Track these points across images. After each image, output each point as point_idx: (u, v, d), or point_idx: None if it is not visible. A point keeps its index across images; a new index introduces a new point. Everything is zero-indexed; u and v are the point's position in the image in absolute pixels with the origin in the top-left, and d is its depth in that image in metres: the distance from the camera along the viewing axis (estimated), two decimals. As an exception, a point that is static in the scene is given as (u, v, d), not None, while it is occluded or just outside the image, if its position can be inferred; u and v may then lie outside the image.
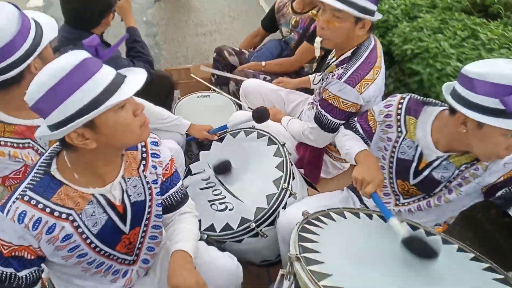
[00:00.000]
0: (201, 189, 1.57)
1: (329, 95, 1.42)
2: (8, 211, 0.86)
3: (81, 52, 0.82)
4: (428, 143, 1.14)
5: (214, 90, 2.12)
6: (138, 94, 1.53)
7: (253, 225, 1.38)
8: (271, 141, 1.58)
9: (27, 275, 0.92)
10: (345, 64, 1.40)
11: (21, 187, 0.89)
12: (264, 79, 2.14)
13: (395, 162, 1.24)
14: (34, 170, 0.91)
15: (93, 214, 0.95)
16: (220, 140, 1.71)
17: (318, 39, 1.41)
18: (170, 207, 1.16)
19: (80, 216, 0.93)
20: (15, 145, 1.09)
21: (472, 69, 0.95)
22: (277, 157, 1.51)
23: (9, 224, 0.86)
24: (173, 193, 1.14)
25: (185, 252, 1.05)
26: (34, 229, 0.88)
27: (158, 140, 1.10)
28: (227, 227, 1.43)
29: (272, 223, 1.43)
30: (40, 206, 0.88)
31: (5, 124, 1.08)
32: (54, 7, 4.14)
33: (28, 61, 1.02)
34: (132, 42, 1.83)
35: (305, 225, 0.98)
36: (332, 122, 1.46)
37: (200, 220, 1.43)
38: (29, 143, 1.12)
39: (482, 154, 1.04)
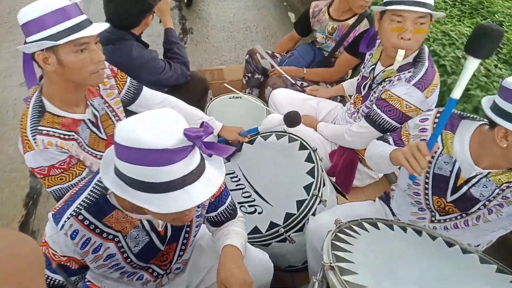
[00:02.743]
0: (230, 190, 1.61)
1: (391, 96, 1.41)
2: (63, 226, 0.91)
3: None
4: (467, 159, 1.12)
5: (248, 95, 2.16)
6: (175, 94, 1.61)
7: (282, 230, 1.41)
8: (302, 146, 1.60)
9: (74, 280, 1.00)
10: (412, 68, 1.40)
11: (77, 203, 0.93)
12: (302, 85, 2.16)
13: (431, 178, 1.22)
14: (90, 188, 0.95)
15: (137, 237, 1.02)
16: (251, 142, 1.75)
17: (401, 52, 1.35)
18: (218, 222, 1.20)
19: (125, 238, 1.00)
20: (61, 136, 1.16)
21: None
22: (309, 163, 1.53)
23: (62, 238, 0.92)
24: (222, 211, 1.18)
25: (236, 247, 1.09)
26: (82, 247, 0.94)
27: None
28: (255, 230, 1.46)
29: (301, 229, 1.45)
30: (92, 227, 0.94)
31: (54, 115, 1.16)
32: (94, 1, 4.32)
33: (29, 49, 1.06)
34: (170, 43, 1.90)
35: (338, 234, 1.00)
36: (387, 122, 1.46)
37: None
38: (73, 135, 1.19)
39: None
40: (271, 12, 4.20)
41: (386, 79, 1.48)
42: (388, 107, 1.43)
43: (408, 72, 1.40)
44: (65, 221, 0.91)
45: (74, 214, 0.92)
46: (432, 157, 1.20)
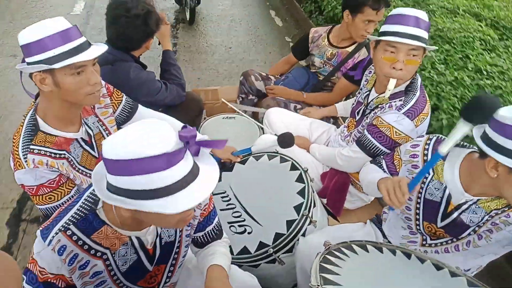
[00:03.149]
0: (221, 210, 1.61)
1: (382, 123, 1.45)
2: (50, 241, 0.90)
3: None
4: (456, 186, 1.14)
5: (242, 114, 2.19)
6: (170, 113, 1.62)
7: (271, 250, 1.40)
8: (294, 167, 1.62)
9: None
10: (403, 97, 1.44)
11: (66, 218, 0.93)
12: (295, 107, 2.20)
13: (422, 203, 1.23)
14: (80, 203, 0.95)
15: (125, 254, 1.01)
16: (243, 162, 1.76)
17: (393, 82, 1.39)
18: (204, 243, 1.20)
19: (113, 255, 0.99)
20: (52, 155, 1.16)
21: (504, 114, 0.96)
22: (299, 183, 1.54)
23: (49, 253, 0.91)
24: (209, 231, 1.18)
25: (222, 267, 1.08)
26: (70, 264, 0.93)
27: None
28: (244, 250, 1.45)
29: (290, 250, 1.44)
30: (80, 242, 0.93)
31: (47, 134, 1.17)
32: (94, 15, 4.41)
33: (32, 70, 1.08)
34: (167, 65, 1.94)
35: (327, 256, 1.00)
36: (377, 147, 1.49)
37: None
38: (64, 154, 1.20)
39: None
40: (256, 10, 4.91)
41: (379, 106, 1.52)
42: (379, 133, 1.46)
43: (400, 100, 1.44)
44: (53, 236, 0.90)
45: (63, 229, 0.91)
46: (423, 183, 1.22)
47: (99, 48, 1.13)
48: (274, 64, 2.67)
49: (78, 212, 0.93)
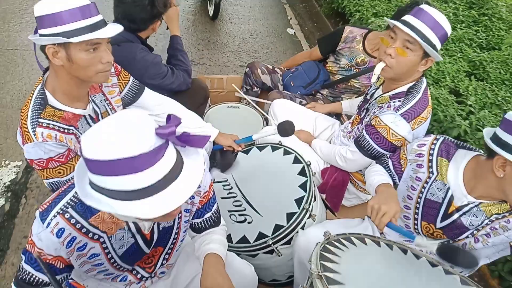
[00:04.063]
0: (222, 198, 1.66)
1: (380, 124, 1.48)
2: (49, 224, 0.93)
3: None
4: (460, 187, 1.19)
5: (250, 101, 2.23)
6: (175, 99, 1.64)
7: (270, 241, 1.45)
8: (297, 160, 1.66)
9: (59, 279, 1.01)
10: (403, 98, 1.45)
11: (64, 201, 0.95)
12: (300, 103, 2.24)
13: (423, 203, 1.28)
14: None
15: (122, 238, 1.04)
16: (246, 152, 1.80)
17: (380, 66, 1.42)
18: (201, 229, 1.23)
19: (110, 239, 1.02)
20: (61, 130, 1.19)
21: None
22: (302, 176, 1.58)
23: (47, 235, 0.94)
24: (207, 218, 1.21)
25: (219, 256, 1.12)
26: (68, 246, 0.96)
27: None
28: (243, 239, 1.50)
29: (289, 242, 1.49)
30: (78, 225, 0.96)
31: (55, 109, 1.20)
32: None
33: (41, 42, 1.10)
34: (174, 50, 1.97)
35: (326, 245, 1.05)
36: (374, 148, 1.52)
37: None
38: (73, 130, 1.23)
39: None
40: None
41: (379, 105, 1.56)
42: (376, 134, 1.49)
43: (399, 101, 1.46)
44: (51, 219, 0.93)
45: (61, 212, 0.94)
46: (426, 182, 1.27)
47: (115, 27, 1.16)
48: (292, 56, 2.65)
49: (76, 195, 0.96)
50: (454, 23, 3.20)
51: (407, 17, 1.37)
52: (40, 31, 1.09)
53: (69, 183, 1.00)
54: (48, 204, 0.96)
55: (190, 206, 1.14)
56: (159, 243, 1.12)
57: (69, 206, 0.95)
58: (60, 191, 0.98)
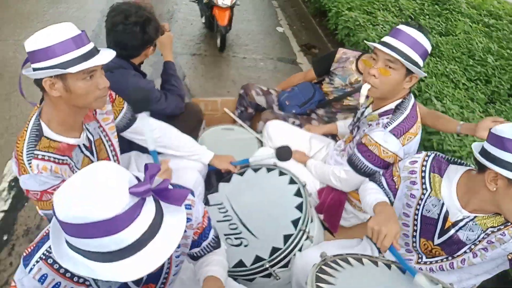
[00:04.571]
0: (217, 221, 1.65)
1: (370, 142, 1.50)
2: (31, 269, 0.92)
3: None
4: (454, 202, 1.20)
5: (242, 124, 2.25)
6: (169, 122, 1.66)
7: (267, 264, 1.44)
8: (292, 181, 1.67)
9: None
10: (391, 115, 1.49)
11: (47, 245, 0.93)
12: (293, 123, 2.27)
13: (420, 220, 1.29)
14: None
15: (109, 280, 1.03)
16: (241, 174, 1.81)
17: (365, 87, 1.47)
18: (201, 257, 1.22)
19: (96, 281, 0.99)
20: (56, 160, 1.20)
21: (501, 128, 1.06)
22: (297, 197, 1.59)
23: (30, 281, 0.92)
24: (204, 246, 1.20)
25: (219, 279, 1.11)
26: None
27: (192, 202, 1.09)
28: (240, 263, 1.48)
29: (286, 265, 1.48)
30: (62, 270, 0.93)
31: (51, 140, 1.21)
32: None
33: (39, 75, 1.11)
34: (168, 75, 2.01)
35: (323, 267, 1.04)
36: (367, 166, 1.53)
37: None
38: (66, 160, 1.24)
39: (510, 213, 1.10)
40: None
41: (369, 122, 1.58)
42: (367, 152, 1.51)
43: (387, 118, 1.49)
44: (34, 265, 0.92)
45: (43, 257, 0.92)
46: (421, 199, 1.28)
47: (109, 52, 1.19)
48: (287, 78, 2.72)
49: None
50: (418, 15, 3.79)
51: (386, 38, 1.43)
52: (34, 66, 1.11)
53: (48, 230, 0.97)
54: (31, 248, 0.95)
55: (183, 240, 1.12)
56: (150, 280, 1.10)
57: (51, 251, 0.92)
58: (44, 234, 0.97)
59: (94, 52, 1.15)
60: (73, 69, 1.09)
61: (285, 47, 4.38)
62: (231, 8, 3.71)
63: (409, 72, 1.41)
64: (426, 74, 1.44)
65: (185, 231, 1.10)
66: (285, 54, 4.25)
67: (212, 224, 1.22)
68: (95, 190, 0.73)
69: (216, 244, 1.24)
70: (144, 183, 0.76)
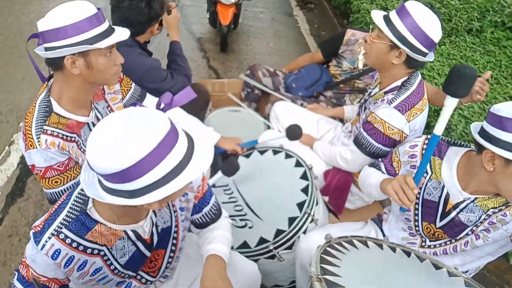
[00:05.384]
0: (223, 202, 1.67)
1: (375, 119, 1.50)
2: (43, 246, 0.94)
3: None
4: (454, 184, 1.21)
5: (247, 109, 2.25)
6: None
7: (271, 246, 1.46)
8: (298, 163, 1.68)
9: None
10: (396, 91, 1.50)
11: (57, 221, 0.96)
12: (302, 105, 2.26)
13: (421, 203, 1.30)
14: (69, 205, 0.97)
15: (123, 248, 1.05)
16: (247, 156, 1.82)
17: (362, 52, 1.50)
18: (204, 224, 1.25)
19: (111, 250, 1.03)
20: (64, 137, 1.22)
21: (499, 107, 1.05)
22: (303, 180, 1.60)
23: (43, 258, 0.95)
24: (206, 212, 1.23)
25: (220, 257, 1.13)
26: (66, 266, 0.97)
27: None
28: (244, 244, 1.51)
29: (290, 247, 1.50)
30: (74, 245, 0.96)
31: (60, 116, 1.22)
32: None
33: (63, 53, 1.11)
34: (174, 55, 2.01)
35: (327, 248, 1.06)
36: (373, 145, 1.54)
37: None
38: (75, 137, 1.26)
39: (509, 193, 1.10)
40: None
41: (375, 101, 1.58)
42: (373, 130, 1.51)
43: (392, 94, 1.50)
44: (46, 241, 0.94)
45: (55, 233, 0.95)
46: (422, 182, 1.28)
47: (124, 30, 1.22)
48: (296, 59, 2.69)
49: (69, 214, 0.97)
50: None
51: (391, 13, 1.43)
52: (52, 44, 1.10)
53: (59, 203, 1.00)
54: (41, 225, 0.97)
55: (186, 204, 1.16)
56: (160, 245, 1.14)
57: (63, 226, 0.96)
58: (52, 211, 0.99)
59: (111, 29, 1.17)
60: (101, 44, 1.11)
61: (284, 2, 4.74)
62: (237, 4, 3.28)
63: (395, 46, 1.41)
64: (412, 53, 1.39)
65: (187, 193, 1.14)
66: (283, 8, 4.61)
67: (212, 192, 1.25)
68: (136, 126, 0.78)
69: (218, 212, 1.26)
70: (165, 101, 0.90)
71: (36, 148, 1.17)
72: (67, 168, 1.23)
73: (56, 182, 1.23)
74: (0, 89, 2.82)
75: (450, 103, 1.12)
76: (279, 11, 4.52)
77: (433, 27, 1.38)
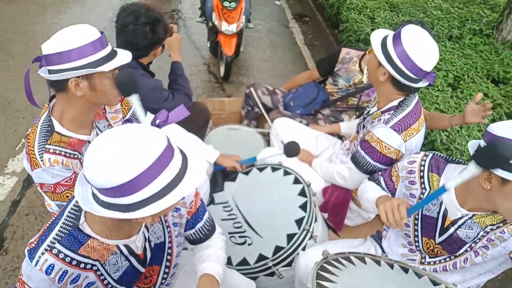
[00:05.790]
0: (222, 219, 1.69)
1: (372, 138, 1.53)
2: (37, 261, 0.96)
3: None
4: (452, 201, 1.22)
5: (248, 124, 2.29)
6: (176, 122, 1.70)
7: (271, 263, 1.47)
8: (297, 180, 1.70)
9: None
10: (392, 111, 1.52)
11: (51, 237, 0.98)
12: (300, 122, 2.30)
13: (420, 219, 1.31)
14: (62, 220, 1.00)
15: (116, 263, 1.06)
16: (246, 173, 1.85)
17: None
18: (197, 240, 1.26)
19: (104, 265, 1.04)
20: (67, 154, 1.26)
21: (498, 128, 1.07)
22: (302, 197, 1.61)
23: (37, 274, 0.96)
24: (199, 228, 1.24)
25: (214, 277, 1.14)
26: (60, 281, 0.98)
27: None
28: (243, 262, 1.52)
29: (290, 264, 1.51)
30: (68, 259, 0.98)
31: (62, 135, 1.26)
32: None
33: (68, 76, 1.15)
34: (175, 75, 2.06)
35: (324, 265, 1.07)
36: (370, 163, 1.56)
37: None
38: (77, 155, 1.29)
39: (506, 212, 1.11)
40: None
41: (373, 120, 1.61)
42: (370, 149, 1.54)
43: (389, 114, 1.53)
44: (39, 257, 0.96)
45: (48, 248, 0.96)
46: (420, 198, 1.30)
47: (127, 53, 1.27)
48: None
49: (61, 229, 0.98)
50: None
51: (389, 35, 1.48)
52: (57, 67, 1.15)
53: (51, 219, 1.02)
54: (35, 242, 0.99)
55: (178, 219, 1.17)
56: (154, 261, 1.15)
57: (56, 241, 0.97)
58: (46, 227, 1.01)
59: (114, 52, 1.22)
60: (104, 67, 1.16)
61: (281, 15, 5.18)
62: (239, 34, 3.26)
63: (381, 64, 1.45)
64: (396, 74, 1.42)
65: (179, 209, 1.16)
66: (280, 20, 5.02)
67: (205, 208, 1.26)
68: (134, 143, 0.82)
69: (211, 228, 1.27)
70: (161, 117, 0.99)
71: (41, 167, 1.20)
72: (75, 182, 1.26)
73: (67, 196, 1.26)
74: (17, 89, 3.20)
75: (474, 170, 1.09)
76: (276, 23, 4.89)
77: (424, 58, 1.40)
